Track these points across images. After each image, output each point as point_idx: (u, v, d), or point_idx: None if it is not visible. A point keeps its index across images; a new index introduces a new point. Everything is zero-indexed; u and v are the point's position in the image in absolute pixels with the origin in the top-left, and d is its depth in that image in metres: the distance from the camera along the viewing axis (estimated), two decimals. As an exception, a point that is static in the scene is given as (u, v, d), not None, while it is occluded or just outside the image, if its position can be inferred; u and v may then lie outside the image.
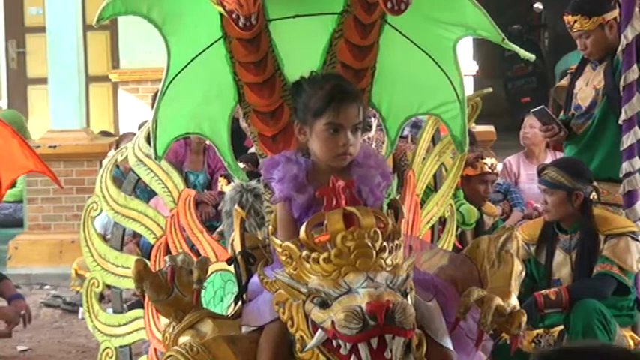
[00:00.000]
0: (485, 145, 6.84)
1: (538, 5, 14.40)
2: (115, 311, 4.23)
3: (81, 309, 6.80)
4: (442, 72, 3.50)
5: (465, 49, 9.39)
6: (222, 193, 6.93)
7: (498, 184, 7.29)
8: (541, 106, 5.79)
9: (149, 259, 3.86)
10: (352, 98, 3.10)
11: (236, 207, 3.64)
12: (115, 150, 6.36)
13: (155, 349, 3.90)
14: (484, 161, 6.01)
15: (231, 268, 3.41)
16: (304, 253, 2.81)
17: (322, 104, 3.07)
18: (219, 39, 3.34)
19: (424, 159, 4.19)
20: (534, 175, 6.16)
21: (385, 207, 3.24)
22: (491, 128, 9.11)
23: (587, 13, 5.35)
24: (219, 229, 6.04)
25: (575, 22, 5.39)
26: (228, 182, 6.86)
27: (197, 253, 3.76)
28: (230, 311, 3.39)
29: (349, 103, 3.08)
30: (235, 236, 3.40)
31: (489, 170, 6.04)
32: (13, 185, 5.74)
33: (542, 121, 5.61)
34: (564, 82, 5.81)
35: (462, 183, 5.81)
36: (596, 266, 4.77)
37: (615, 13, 5.35)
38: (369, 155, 3.16)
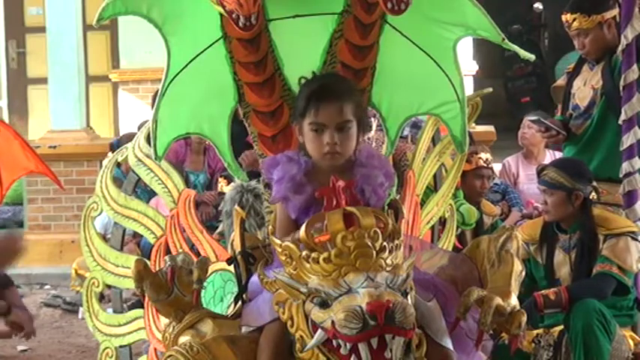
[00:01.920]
0: (482, 143, 6.83)
1: (538, 5, 14.41)
2: (115, 311, 4.23)
3: (81, 309, 6.81)
4: (442, 72, 3.51)
5: (465, 49, 9.40)
6: (222, 194, 6.94)
7: (496, 184, 7.29)
8: (536, 117, 5.79)
9: (149, 259, 3.86)
10: (333, 97, 3.09)
11: (236, 207, 3.64)
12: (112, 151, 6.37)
13: (155, 349, 3.90)
14: (479, 156, 6.00)
15: (231, 268, 3.41)
16: (304, 253, 2.81)
17: (304, 104, 3.11)
18: (219, 39, 3.34)
19: (424, 159, 4.19)
20: (533, 175, 6.16)
21: (385, 207, 3.24)
22: (491, 128, 9.12)
23: (587, 11, 5.35)
24: (219, 230, 6.04)
25: (574, 20, 5.38)
26: (228, 182, 6.87)
27: (197, 253, 3.76)
28: (230, 311, 3.39)
29: (329, 102, 3.08)
30: (235, 236, 3.40)
31: (484, 165, 6.03)
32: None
33: (540, 129, 5.62)
34: (561, 81, 5.81)
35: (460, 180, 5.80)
36: (595, 266, 4.77)
37: (614, 12, 5.34)
38: (372, 155, 3.17)
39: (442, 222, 4.37)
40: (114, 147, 7.17)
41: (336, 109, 3.08)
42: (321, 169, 3.11)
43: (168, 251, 3.88)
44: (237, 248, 3.35)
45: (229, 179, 6.99)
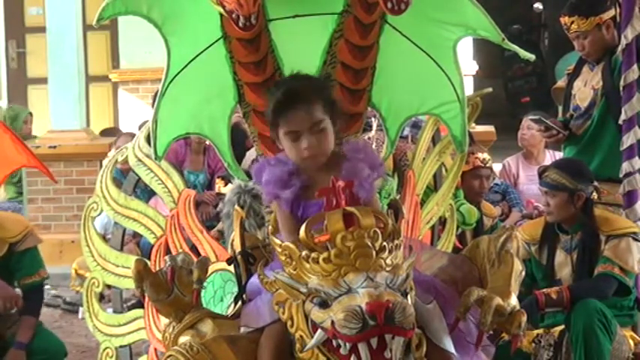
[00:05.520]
0: (479, 144, 6.83)
1: (538, 5, 14.42)
2: (115, 311, 4.23)
3: (81, 309, 6.80)
4: (442, 72, 3.51)
5: (465, 49, 9.40)
6: (220, 194, 6.94)
7: (496, 184, 7.29)
8: (538, 116, 5.79)
9: (149, 259, 3.86)
10: (298, 102, 3.09)
11: (236, 207, 3.64)
12: (115, 149, 6.37)
13: (155, 349, 3.90)
14: (476, 156, 6.00)
15: (231, 268, 3.41)
16: (304, 253, 2.81)
17: (274, 115, 3.12)
18: (219, 39, 3.35)
19: (424, 159, 4.19)
20: (534, 176, 6.16)
21: (385, 207, 3.23)
22: (491, 128, 9.12)
23: (584, 13, 5.35)
24: (218, 227, 6.04)
25: (572, 23, 5.39)
26: (226, 183, 6.87)
27: (197, 253, 3.76)
28: (230, 311, 3.39)
29: (296, 109, 3.08)
30: (235, 236, 3.40)
31: (482, 164, 6.03)
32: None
33: (540, 128, 5.62)
34: (561, 83, 5.82)
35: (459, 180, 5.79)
36: (597, 267, 4.77)
37: (612, 12, 5.35)
38: (358, 148, 3.16)
39: (442, 222, 4.37)
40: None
41: (303, 113, 3.08)
42: (308, 166, 3.12)
43: (168, 251, 3.88)
44: (237, 248, 3.36)
45: (226, 180, 6.99)
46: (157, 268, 3.43)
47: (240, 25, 3.14)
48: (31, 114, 9.76)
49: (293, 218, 3.08)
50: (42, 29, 9.53)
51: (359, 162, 3.11)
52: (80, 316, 7.16)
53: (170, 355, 3.03)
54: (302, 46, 3.42)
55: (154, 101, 3.54)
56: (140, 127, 5.40)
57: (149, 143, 3.78)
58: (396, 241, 2.84)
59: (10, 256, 5.01)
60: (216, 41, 3.35)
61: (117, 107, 11.29)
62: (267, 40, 3.35)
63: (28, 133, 9.40)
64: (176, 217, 3.95)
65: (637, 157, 5.07)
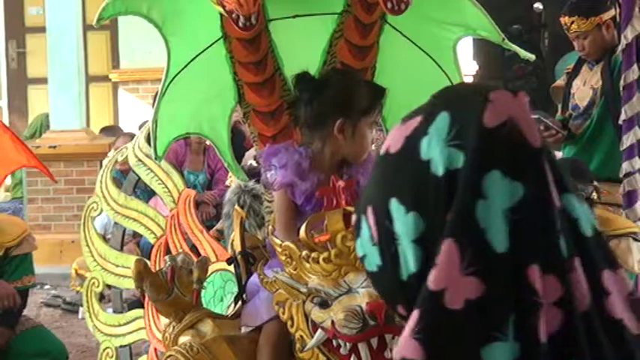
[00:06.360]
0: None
1: (538, 5, 14.41)
2: (115, 311, 4.23)
3: (81, 309, 6.81)
4: (442, 72, 3.51)
5: (465, 49, 9.40)
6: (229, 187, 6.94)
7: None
8: (537, 116, 5.79)
9: (149, 259, 3.86)
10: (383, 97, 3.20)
11: (236, 207, 3.64)
12: (114, 149, 6.37)
13: (155, 349, 3.90)
14: None
15: (231, 268, 3.41)
16: (304, 253, 2.81)
17: (373, 101, 3.12)
18: (219, 39, 3.35)
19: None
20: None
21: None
22: (491, 128, 9.11)
23: (585, 13, 5.35)
24: (217, 226, 6.02)
25: (572, 23, 5.39)
26: (238, 177, 6.85)
27: (197, 253, 3.76)
28: (230, 311, 3.39)
29: (380, 103, 3.17)
30: (235, 236, 3.40)
31: None
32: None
33: (540, 128, 5.61)
34: (560, 82, 5.82)
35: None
36: (596, 266, 4.76)
37: (612, 12, 5.35)
38: None
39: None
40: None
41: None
42: (321, 162, 3.12)
43: (168, 251, 3.88)
44: (237, 248, 3.35)
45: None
46: (157, 268, 3.43)
47: (240, 25, 3.14)
48: None
49: (296, 209, 3.07)
50: (42, 29, 9.53)
51: (368, 163, 3.12)
52: (80, 316, 7.16)
53: (170, 355, 3.03)
54: (302, 46, 3.42)
55: (154, 101, 3.54)
56: (140, 127, 5.39)
57: (149, 143, 3.78)
58: (396, 241, 2.83)
59: (5, 259, 4.95)
60: (216, 41, 3.35)
61: (117, 107, 11.29)
62: (267, 40, 3.35)
63: None
64: (176, 217, 3.95)
65: (637, 157, 5.05)
